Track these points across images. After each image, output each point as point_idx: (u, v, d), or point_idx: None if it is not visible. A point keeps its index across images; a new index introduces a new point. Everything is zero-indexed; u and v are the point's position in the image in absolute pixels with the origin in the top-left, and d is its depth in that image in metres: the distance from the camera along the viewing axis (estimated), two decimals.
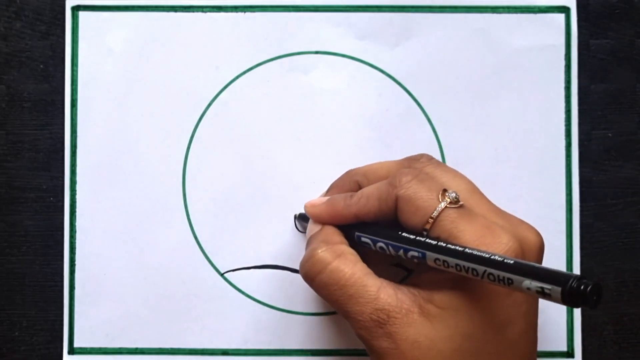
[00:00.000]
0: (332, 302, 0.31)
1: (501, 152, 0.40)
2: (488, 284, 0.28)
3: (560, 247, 0.39)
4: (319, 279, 0.31)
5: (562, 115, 0.40)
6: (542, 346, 0.39)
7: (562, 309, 0.39)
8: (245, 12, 0.40)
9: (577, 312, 0.39)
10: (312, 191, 0.39)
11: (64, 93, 0.40)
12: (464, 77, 0.40)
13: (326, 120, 0.40)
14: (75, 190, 0.40)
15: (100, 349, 0.39)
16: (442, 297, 0.29)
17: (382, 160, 0.39)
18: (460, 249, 0.28)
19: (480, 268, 0.27)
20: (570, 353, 0.39)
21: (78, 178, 0.40)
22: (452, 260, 0.28)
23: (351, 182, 0.35)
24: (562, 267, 0.39)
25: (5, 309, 0.40)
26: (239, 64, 0.40)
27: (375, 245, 0.32)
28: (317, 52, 0.40)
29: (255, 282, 0.39)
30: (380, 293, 0.30)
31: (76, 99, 0.40)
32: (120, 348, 0.39)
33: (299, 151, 0.40)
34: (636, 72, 0.40)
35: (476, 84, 0.40)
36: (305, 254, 0.33)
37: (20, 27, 0.40)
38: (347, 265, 0.31)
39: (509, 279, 0.26)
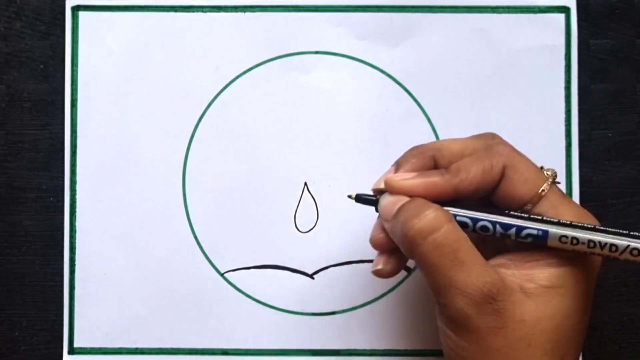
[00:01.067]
0: (439, 267, 0.28)
1: None
2: (594, 259, 0.29)
3: None
4: (433, 237, 0.28)
5: (562, 115, 0.40)
6: None
7: None
8: (245, 12, 0.40)
9: None
10: (312, 191, 0.39)
11: (64, 93, 0.40)
12: (464, 77, 0.40)
13: (326, 120, 0.40)
14: (75, 190, 0.39)
15: (100, 349, 0.39)
16: (546, 275, 0.29)
17: (383, 159, 0.39)
18: (590, 225, 0.28)
19: (622, 243, 0.28)
20: None
21: (78, 178, 0.40)
22: (584, 237, 0.28)
23: (425, 158, 0.32)
24: None
25: (5, 309, 0.40)
26: (239, 64, 0.40)
27: (475, 225, 0.30)
28: (317, 52, 0.40)
29: (255, 282, 0.39)
30: (488, 266, 0.28)
31: (76, 99, 0.40)
32: (120, 348, 0.39)
33: (299, 151, 0.40)
34: (636, 72, 0.40)
35: (476, 84, 0.40)
36: (407, 214, 0.29)
37: (20, 27, 0.40)
38: (460, 230, 0.29)
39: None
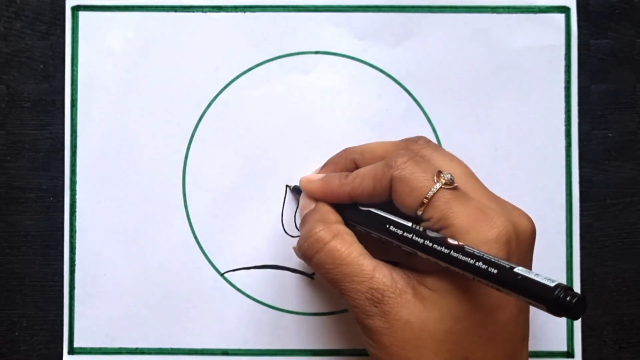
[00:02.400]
0: (329, 280, 0.32)
1: (501, 152, 0.39)
2: None
3: (560, 247, 0.39)
4: (317, 258, 0.32)
5: (562, 115, 0.40)
6: (542, 346, 0.39)
7: None
8: (245, 12, 0.40)
9: None
10: None
11: (64, 93, 0.40)
12: (464, 77, 0.40)
13: (326, 120, 0.40)
14: (75, 190, 0.40)
15: (100, 349, 0.39)
16: (434, 280, 0.30)
17: None
18: (446, 251, 0.28)
19: (468, 275, 0.28)
20: (570, 353, 0.39)
21: (78, 178, 0.40)
22: (441, 263, 0.29)
23: (347, 160, 0.35)
24: (562, 267, 0.39)
25: (5, 309, 0.40)
26: (239, 64, 0.40)
27: (368, 233, 0.33)
28: (317, 52, 0.40)
29: (255, 282, 0.39)
30: (375, 273, 0.30)
31: (76, 99, 0.40)
32: (120, 348, 0.39)
33: (299, 151, 0.40)
34: (636, 72, 0.40)
35: (476, 84, 0.40)
36: (302, 233, 0.33)
37: (20, 27, 0.40)
38: (343, 245, 0.31)
39: (496, 287, 0.27)
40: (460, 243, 0.28)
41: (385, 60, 0.40)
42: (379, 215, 0.32)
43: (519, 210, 0.32)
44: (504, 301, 0.29)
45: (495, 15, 0.40)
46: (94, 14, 0.40)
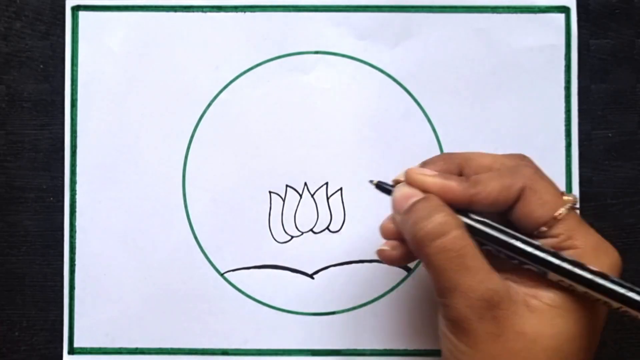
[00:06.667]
0: (444, 269, 0.29)
1: (501, 152, 0.39)
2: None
3: None
4: (441, 241, 0.29)
5: (562, 115, 0.40)
6: None
7: None
8: (245, 12, 0.40)
9: None
10: (312, 191, 0.39)
11: (64, 93, 0.40)
12: (464, 77, 0.40)
13: (326, 120, 0.40)
14: (75, 190, 0.39)
15: (100, 349, 0.39)
16: (551, 296, 0.29)
17: (383, 159, 0.39)
18: (589, 276, 0.28)
19: (613, 302, 0.28)
20: None
21: (78, 178, 0.40)
22: (579, 287, 0.28)
23: (452, 164, 0.33)
24: None
25: (5, 309, 0.40)
26: (239, 64, 0.40)
27: (482, 244, 0.30)
28: (317, 52, 0.40)
29: (255, 282, 0.39)
30: (495, 275, 0.29)
31: (76, 99, 0.40)
32: (120, 348, 0.39)
33: (299, 151, 0.40)
34: (636, 72, 0.40)
35: (476, 84, 0.40)
36: (419, 214, 0.30)
37: (20, 27, 0.40)
38: (467, 237, 0.29)
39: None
40: (601, 270, 0.28)
41: (385, 60, 0.40)
42: (501, 229, 0.30)
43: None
44: (599, 328, 0.30)
45: (495, 15, 0.40)
46: (93, 14, 0.40)
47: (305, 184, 0.40)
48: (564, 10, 0.40)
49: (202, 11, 0.40)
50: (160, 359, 0.39)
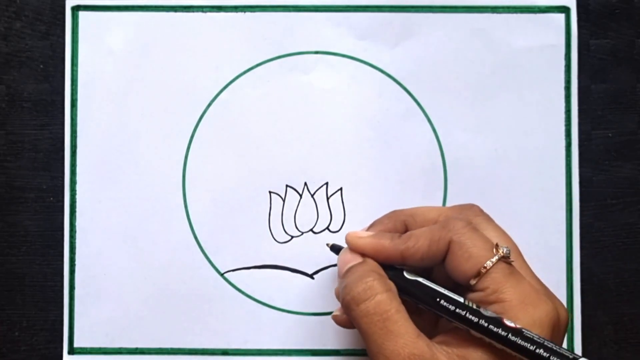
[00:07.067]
0: (370, 333, 0.30)
1: (501, 152, 0.39)
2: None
3: (560, 247, 0.39)
4: (365, 306, 0.30)
5: (562, 115, 0.40)
6: None
7: None
8: (245, 12, 0.40)
9: (577, 312, 0.39)
10: (312, 191, 0.39)
11: (64, 93, 0.40)
12: (464, 77, 0.40)
13: (326, 120, 0.40)
14: (75, 190, 0.40)
15: (100, 349, 0.39)
16: (479, 354, 0.29)
17: (383, 159, 0.39)
18: (503, 333, 0.28)
19: (524, 359, 0.28)
20: None
21: (78, 178, 0.40)
22: (496, 344, 0.28)
23: (397, 222, 0.35)
24: (562, 267, 0.39)
25: (5, 309, 0.40)
26: (239, 64, 0.40)
27: (414, 303, 0.32)
28: (317, 52, 0.40)
29: (255, 282, 0.39)
30: (419, 340, 0.29)
31: (76, 99, 0.40)
32: (120, 348, 0.39)
33: (299, 151, 0.40)
34: (636, 72, 0.40)
35: (476, 84, 0.40)
36: (350, 279, 0.32)
37: (20, 27, 0.40)
38: (394, 301, 0.30)
39: None
40: (518, 326, 0.28)
41: (385, 60, 0.40)
42: (429, 287, 0.31)
43: (557, 298, 0.32)
44: None
45: (495, 15, 0.40)
46: (93, 14, 0.40)
47: (305, 184, 0.40)
48: (564, 10, 0.40)
49: (202, 11, 0.40)
50: (160, 359, 0.39)
